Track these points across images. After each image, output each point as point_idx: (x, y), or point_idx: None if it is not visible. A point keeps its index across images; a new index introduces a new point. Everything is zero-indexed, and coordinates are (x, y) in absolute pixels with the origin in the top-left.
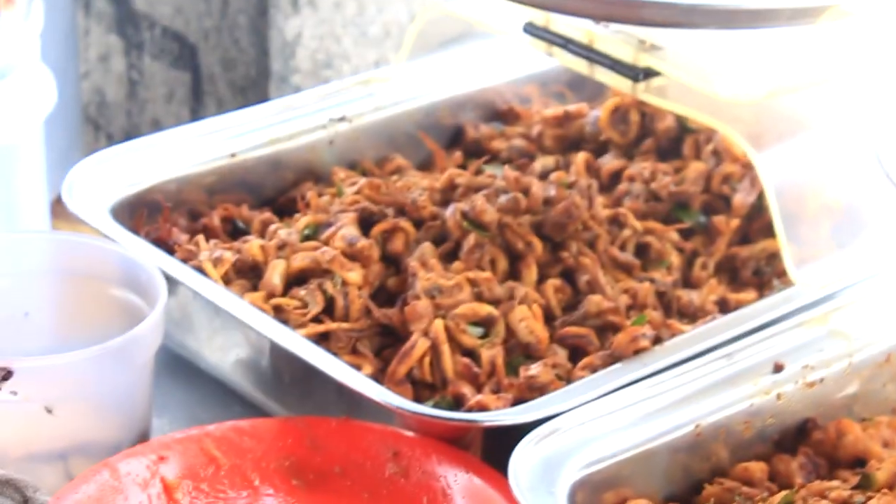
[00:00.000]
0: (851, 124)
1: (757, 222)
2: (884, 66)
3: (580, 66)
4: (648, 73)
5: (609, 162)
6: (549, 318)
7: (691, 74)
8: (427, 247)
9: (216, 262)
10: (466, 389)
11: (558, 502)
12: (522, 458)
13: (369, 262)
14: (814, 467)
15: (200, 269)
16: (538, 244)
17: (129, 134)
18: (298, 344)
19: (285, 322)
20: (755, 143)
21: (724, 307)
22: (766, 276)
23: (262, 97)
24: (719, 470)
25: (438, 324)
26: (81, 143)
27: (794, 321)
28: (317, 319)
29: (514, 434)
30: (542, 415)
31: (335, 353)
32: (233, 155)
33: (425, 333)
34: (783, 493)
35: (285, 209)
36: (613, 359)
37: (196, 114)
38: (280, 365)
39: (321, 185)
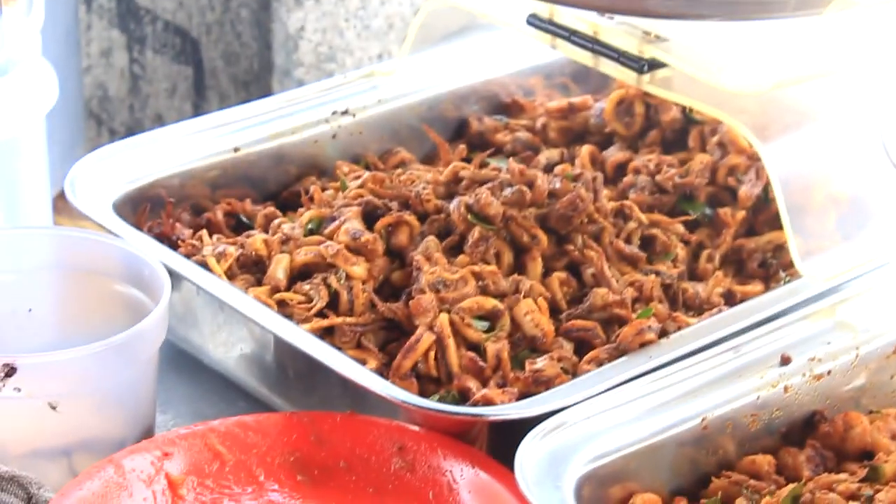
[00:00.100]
0: (857, 115)
1: (763, 214)
2: (890, 57)
3: (585, 58)
4: (653, 65)
5: (614, 154)
6: (554, 311)
7: (696, 66)
8: (431, 240)
9: (220, 256)
10: (472, 383)
11: (565, 496)
12: (528, 453)
13: (373, 256)
14: (821, 460)
15: (204, 264)
16: (543, 237)
17: (132, 129)
18: (303, 339)
19: (289, 317)
20: (761, 135)
21: (731, 300)
22: (772, 268)
23: (265, 91)
24: (726, 463)
25: (443, 318)
26: (84, 138)
27: (801, 313)
28: (321, 314)
29: (520, 428)
30: (548, 409)
31: (340, 348)
32: (236, 149)
33: (430, 327)
34: (791, 486)
35: (289, 203)
36: (619, 352)
37: (198, 108)
38: (284, 360)
39: (325, 179)
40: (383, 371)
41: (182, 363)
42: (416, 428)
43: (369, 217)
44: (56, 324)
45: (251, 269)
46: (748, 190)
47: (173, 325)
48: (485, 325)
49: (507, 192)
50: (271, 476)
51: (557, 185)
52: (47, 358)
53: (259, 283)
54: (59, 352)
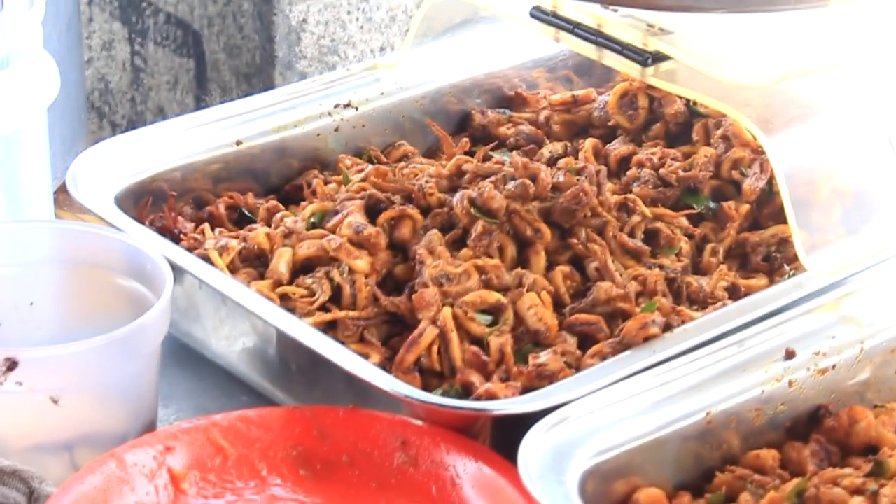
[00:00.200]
0: (863, 109)
1: (767, 207)
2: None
3: (588, 50)
4: (657, 58)
5: (617, 147)
6: (558, 305)
7: (701, 59)
8: (434, 234)
9: (222, 250)
10: (475, 378)
11: (568, 491)
12: (532, 447)
13: (376, 250)
14: (826, 455)
15: (206, 258)
16: (547, 231)
17: (133, 121)
18: (305, 333)
19: (292, 311)
20: (765, 128)
21: (735, 293)
22: (776, 262)
23: (267, 84)
24: (730, 458)
25: (446, 312)
26: (85, 131)
27: (806, 307)
28: (324, 308)
29: (524, 423)
30: (551, 403)
31: (342, 342)
32: (238, 143)
33: (433, 321)
34: (795, 480)
35: (291, 197)
36: (623, 346)
37: (200, 101)
38: (287, 354)
39: (327, 173)
40: (386, 365)
41: (184, 357)
42: (419, 422)
43: (372, 211)
44: (58, 317)
45: (253, 263)
46: (752, 183)
47: (175, 319)
48: (488, 319)
49: (511, 185)
50: (274, 470)
51: (561, 179)
52: (49, 352)
53: (261, 276)
54: (62, 346)
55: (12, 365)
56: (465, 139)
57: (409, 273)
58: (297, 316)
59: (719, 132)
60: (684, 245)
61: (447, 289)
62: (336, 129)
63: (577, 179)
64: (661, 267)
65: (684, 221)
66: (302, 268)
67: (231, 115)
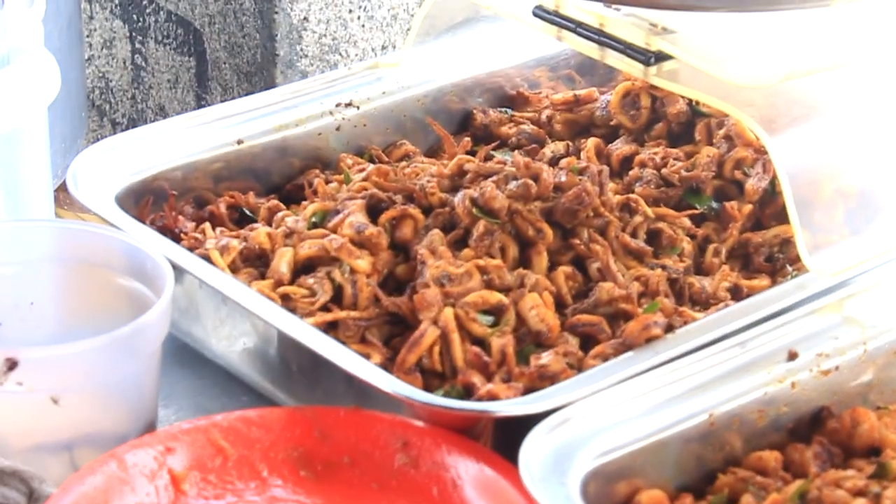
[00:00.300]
0: (866, 109)
1: (770, 208)
2: None
3: (591, 50)
4: (660, 57)
5: (620, 147)
6: (559, 305)
7: (704, 58)
8: (436, 234)
9: (223, 250)
10: (476, 379)
11: (570, 493)
12: (533, 449)
13: (378, 250)
14: (828, 456)
15: (207, 258)
16: (549, 231)
17: (134, 120)
18: (306, 333)
19: (293, 311)
20: (768, 128)
21: (737, 294)
22: (779, 263)
23: (269, 82)
24: (733, 459)
25: (448, 312)
26: (86, 129)
27: (808, 308)
28: (325, 308)
29: (525, 424)
30: (553, 404)
31: (343, 342)
32: (239, 142)
33: (435, 322)
34: (798, 482)
35: (292, 196)
36: (625, 347)
37: (201, 99)
38: (288, 354)
39: (328, 172)
40: (387, 366)
41: (185, 357)
42: (420, 423)
43: (373, 210)
44: (58, 317)
45: (254, 263)
46: (755, 183)
47: (176, 318)
48: (490, 319)
49: (513, 185)
50: (274, 471)
51: (563, 179)
52: (49, 352)
53: (262, 276)
54: (62, 345)
55: (12, 365)
56: (467, 139)
57: (410, 273)
58: (298, 316)
59: (722, 132)
60: (686, 245)
61: (449, 289)
62: (337, 129)
63: (580, 179)
64: (664, 267)
65: (686, 222)
66: (303, 268)
67: (232, 113)
